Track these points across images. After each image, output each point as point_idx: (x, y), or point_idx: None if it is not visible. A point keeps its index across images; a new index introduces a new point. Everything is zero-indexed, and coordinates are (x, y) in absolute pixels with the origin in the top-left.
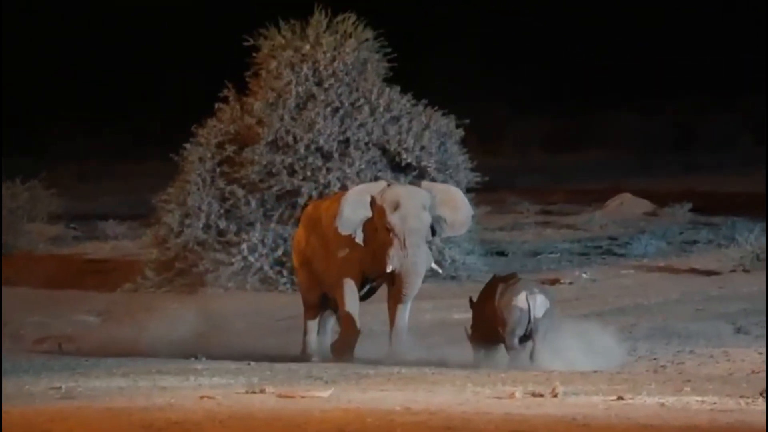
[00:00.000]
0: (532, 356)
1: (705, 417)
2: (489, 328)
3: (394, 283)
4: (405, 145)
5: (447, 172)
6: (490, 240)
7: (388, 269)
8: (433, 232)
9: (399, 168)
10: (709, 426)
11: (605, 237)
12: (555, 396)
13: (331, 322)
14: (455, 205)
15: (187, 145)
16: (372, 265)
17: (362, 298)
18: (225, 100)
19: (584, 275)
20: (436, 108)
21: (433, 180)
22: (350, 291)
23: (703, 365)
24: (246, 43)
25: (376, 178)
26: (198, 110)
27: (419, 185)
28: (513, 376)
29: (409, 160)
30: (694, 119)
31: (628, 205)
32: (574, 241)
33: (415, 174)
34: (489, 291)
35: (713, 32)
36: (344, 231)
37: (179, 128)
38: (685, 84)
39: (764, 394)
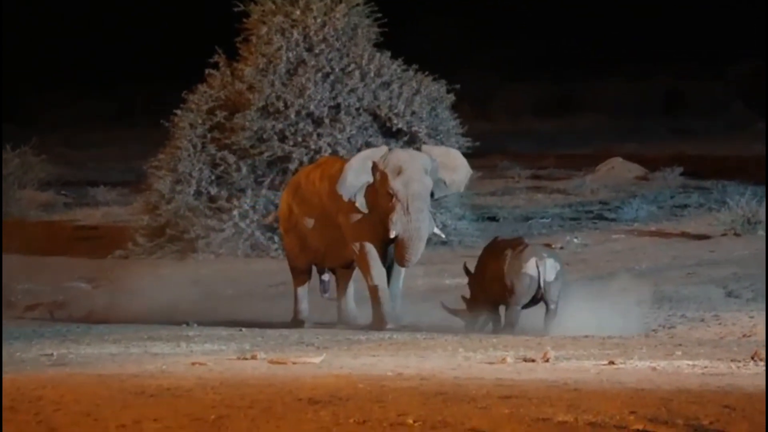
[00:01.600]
0: (546, 321)
1: (696, 381)
2: (492, 292)
3: (397, 248)
4: (396, 111)
5: (438, 137)
6: (481, 205)
7: (392, 235)
8: (432, 195)
9: (390, 133)
10: (700, 390)
11: (596, 202)
12: (546, 361)
13: (351, 289)
14: (454, 166)
15: (178, 111)
16: (377, 231)
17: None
18: (215, 65)
19: (575, 240)
20: (426, 73)
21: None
22: (373, 259)
23: (694, 329)
24: (236, 9)
25: (368, 144)
26: (188, 76)
27: (419, 149)
28: (504, 341)
29: (400, 126)
30: (684, 84)
31: (618, 169)
32: (565, 206)
33: (406, 139)
34: (492, 255)
35: None
36: (346, 196)
37: (169, 94)
38: (675, 49)
39: (755, 358)
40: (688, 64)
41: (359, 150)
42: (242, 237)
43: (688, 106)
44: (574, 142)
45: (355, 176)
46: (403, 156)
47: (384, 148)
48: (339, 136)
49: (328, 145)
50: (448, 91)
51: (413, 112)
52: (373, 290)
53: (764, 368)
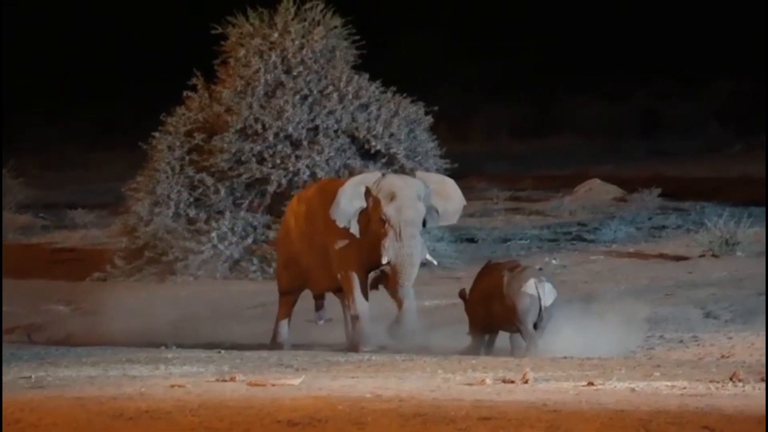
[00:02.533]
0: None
1: (675, 402)
2: (493, 316)
3: (391, 274)
4: (374, 132)
5: (416, 159)
6: (459, 227)
7: (384, 261)
8: (424, 223)
9: (368, 155)
10: (679, 410)
11: (574, 223)
12: (526, 382)
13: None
14: (448, 195)
15: (156, 134)
16: (368, 256)
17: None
18: (193, 88)
19: (554, 261)
20: (404, 95)
21: (402, 167)
22: (357, 287)
23: (673, 350)
24: (214, 31)
25: (346, 166)
26: (166, 98)
27: (413, 175)
28: (484, 363)
29: (378, 147)
30: (661, 104)
31: (596, 191)
32: (544, 228)
33: (384, 161)
34: (488, 278)
35: (679, 18)
36: (340, 223)
37: (147, 116)
38: (652, 69)
39: (734, 379)
40: (665, 84)
41: (337, 172)
42: (221, 259)
43: (665, 127)
44: (551, 162)
45: (349, 202)
46: (396, 182)
47: (377, 174)
48: (317, 158)
49: (307, 167)
50: (426, 113)
51: (391, 134)
52: (355, 318)
53: (743, 389)
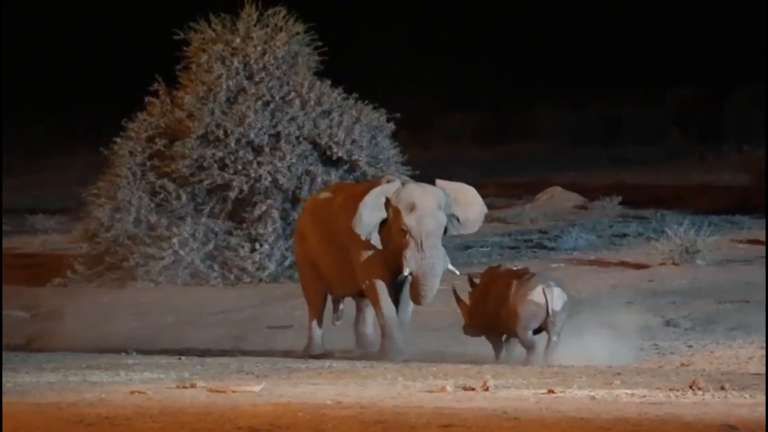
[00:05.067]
0: (547, 351)
1: (634, 410)
2: (495, 322)
3: (412, 285)
4: (336, 139)
5: (378, 165)
6: None
7: (406, 272)
8: (445, 231)
9: (330, 162)
10: (639, 418)
11: (535, 230)
12: (486, 389)
13: (369, 315)
14: (468, 203)
15: (117, 139)
16: (392, 265)
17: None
18: (155, 93)
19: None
20: (366, 102)
21: (364, 174)
22: (383, 296)
23: (633, 358)
24: (176, 37)
25: (307, 172)
26: (128, 104)
27: (433, 184)
28: (444, 370)
29: (340, 154)
30: (622, 112)
31: (557, 198)
32: (505, 235)
33: (346, 168)
34: (492, 284)
35: (639, 25)
36: (363, 235)
37: (109, 121)
38: (613, 77)
39: (693, 387)
40: (626, 91)
41: (299, 178)
42: (182, 265)
43: (626, 134)
44: (513, 170)
45: (370, 214)
46: (416, 192)
47: (397, 183)
48: (279, 164)
49: (269, 173)
50: (388, 120)
51: (353, 141)
52: (383, 326)
53: (702, 398)
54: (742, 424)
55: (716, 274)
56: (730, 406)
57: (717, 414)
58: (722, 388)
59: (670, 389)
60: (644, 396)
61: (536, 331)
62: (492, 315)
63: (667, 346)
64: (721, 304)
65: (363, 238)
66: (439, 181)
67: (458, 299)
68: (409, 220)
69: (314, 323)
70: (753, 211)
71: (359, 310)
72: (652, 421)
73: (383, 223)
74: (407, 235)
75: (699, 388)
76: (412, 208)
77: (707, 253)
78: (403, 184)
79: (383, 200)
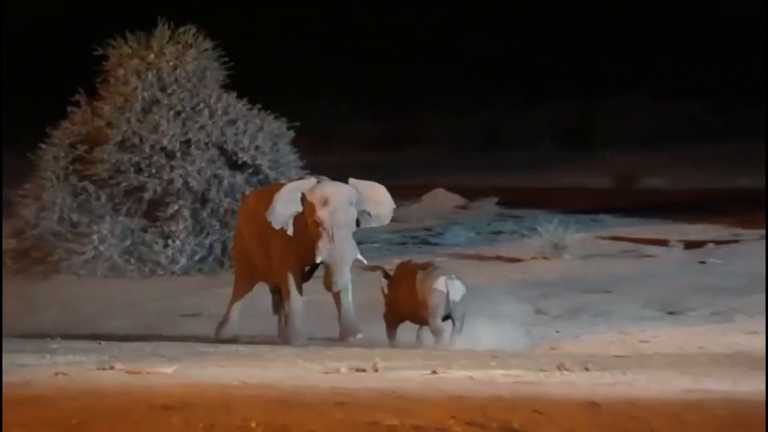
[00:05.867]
0: (452, 336)
1: (508, 389)
2: (405, 312)
3: (325, 272)
4: (241, 146)
5: (279, 170)
6: None
7: (318, 260)
8: (357, 224)
9: (236, 166)
10: (513, 396)
11: (421, 228)
12: (376, 371)
13: (346, 301)
14: (379, 200)
15: (42, 145)
16: (305, 256)
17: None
18: (77, 104)
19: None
20: (269, 112)
21: (267, 177)
22: (293, 285)
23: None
24: (96, 53)
25: (215, 176)
26: (51, 113)
27: (346, 182)
28: (339, 353)
29: (245, 159)
30: (502, 121)
31: (441, 199)
32: (394, 232)
33: (251, 171)
34: (402, 278)
35: (523, 42)
36: (276, 225)
37: (33, 129)
38: (495, 90)
39: (561, 368)
40: (506, 102)
41: (208, 181)
42: (101, 259)
43: (504, 142)
44: (402, 173)
45: (284, 206)
46: (329, 188)
47: (313, 180)
48: (190, 168)
49: (180, 176)
50: (289, 128)
51: (257, 147)
52: (287, 314)
53: (569, 378)
54: (604, 401)
55: (581, 267)
56: (594, 385)
57: (582, 392)
58: (586, 369)
59: (541, 370)
60: (518, 376)
61: (444, 319)
62: (404, 304)
63: (538, 331)
64: (586, 295)
65: (276, 227)
66: (352, 180)
67: (387, 277)
68: (322, 213)
69: (234, 306)
70: (615, 210)
71: (335, 302)
72: (524, 398)
73: (299, 217)
74: (320, 227)
75: (566, 369)
76: (325, 202)
77: (574, 248)
78: (318, 181)
79: (299, 195)
